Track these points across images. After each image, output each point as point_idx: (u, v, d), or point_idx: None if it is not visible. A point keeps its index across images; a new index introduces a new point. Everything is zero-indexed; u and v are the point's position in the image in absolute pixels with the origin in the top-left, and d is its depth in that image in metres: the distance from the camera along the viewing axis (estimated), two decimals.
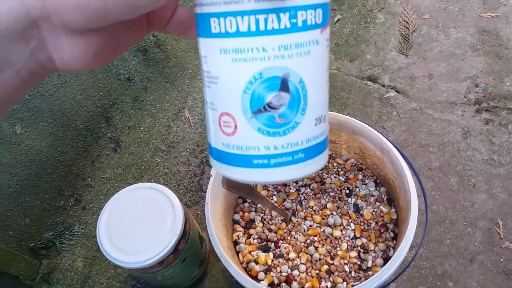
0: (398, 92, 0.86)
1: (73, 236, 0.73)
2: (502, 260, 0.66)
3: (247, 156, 0.21)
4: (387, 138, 0.57)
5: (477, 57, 0.87)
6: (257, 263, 0.60)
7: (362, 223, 0.61)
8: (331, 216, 0.62)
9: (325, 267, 0.58)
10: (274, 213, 0.64)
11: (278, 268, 0.59)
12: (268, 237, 0.62)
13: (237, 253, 0.62)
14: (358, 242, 0.59)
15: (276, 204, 0.64)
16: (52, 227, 0.73)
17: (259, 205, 0.65)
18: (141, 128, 0.85)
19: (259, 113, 0.20)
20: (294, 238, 0.62)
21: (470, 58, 0.87)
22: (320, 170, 0.67)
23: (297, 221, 0.63)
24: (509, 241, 0.68)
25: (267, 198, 0.64)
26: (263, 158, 0.20)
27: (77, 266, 0.73)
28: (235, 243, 0.63)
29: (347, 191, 0.64)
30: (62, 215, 0.75)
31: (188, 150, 0.83)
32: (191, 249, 0.61)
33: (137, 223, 0.57)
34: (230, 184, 0.55)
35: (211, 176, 0.58)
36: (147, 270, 0.57)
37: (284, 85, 0.19)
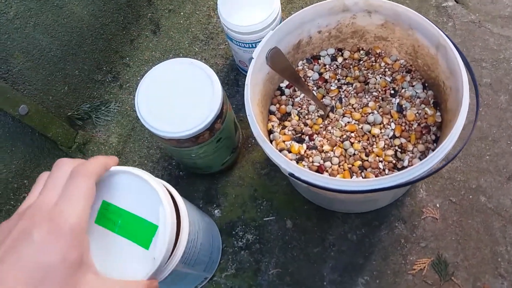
0: (457, 2, 0.79)
1: (109, 113, 0.74)
2: None
3: None
4: (445, 34, 0.53)
5: None
6: (290, 151, 0.60)
7: (403, 124, 0.59)
8: (371, 114, 0.60)
9: (359, 162, 0.57)
10: (311, 108, 0.63)
11: (310, 158, 0.59)
12: (303, 130, 0.61)
13: (270, 142, 0.62)
14: (397, 142, 0.58)
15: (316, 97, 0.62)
16: (89, 100, 0.74)
17: (296, 99, 0.64)
18: (181, 13, 0.82)
19: None
20: (330, 132, 0.60)
21: None
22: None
23: (334, 117, 0.62)
24: None
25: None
26: None
27: (111, 142, 0.74)
28: (269, 132, 0.63)
29: (392, 92, 0.62)
30: (99, 90, 0.76)
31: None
32: (226, 131, 0.61)
33: (175, 96, 0.57)
34: (274, 62, 0.53)
35: (253, 58, 0.56)
36: (182, 144, 0.57)
37: None
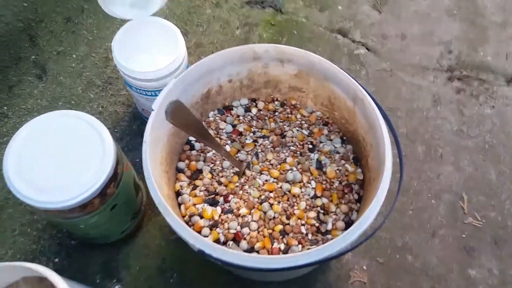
0: (368, 50, 0.79)
1: None
2: (464, 236, 0.62)
3: None
4: (362, 87, 0.50)
5: (453, 22, 0.82)
6: (201, 217, 0.51)
7: (324, 182, 0.54)
8: (290, 171, 0.54)
9: (280, 226, 0.51)
10: (225, 164, 0.55)
11: (226, 224, 0.51)
12: (217, 190, 0.54)
13: (179, 205, 0.53)
14: (318, 202, 0.52)
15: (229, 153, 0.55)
16: None
17: (208, 155, 0.56)
18: (74, 56, 0.72)
19: None
20: (247, 193, 0.53)
21: (446, 22, 0.82)
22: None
23: (251, 175, 0.55)
24: (472, 216, 0.64)
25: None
26: None
27: None
28: (178, 193, 0.54)
29: (310, 146, 0.57)
30: None
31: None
32: (123, 196, 0.51)
33: (57, 157, 0.46)
34: (175, 117, 0.45)
35: (153, 110, 0.48)
36: (67, 215, 0.46)
37: None
